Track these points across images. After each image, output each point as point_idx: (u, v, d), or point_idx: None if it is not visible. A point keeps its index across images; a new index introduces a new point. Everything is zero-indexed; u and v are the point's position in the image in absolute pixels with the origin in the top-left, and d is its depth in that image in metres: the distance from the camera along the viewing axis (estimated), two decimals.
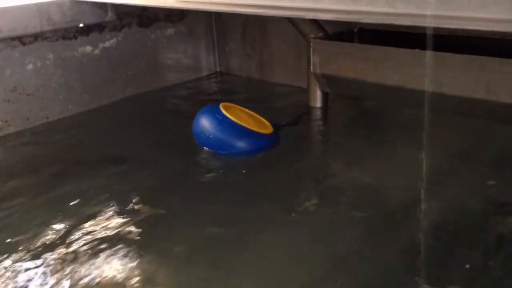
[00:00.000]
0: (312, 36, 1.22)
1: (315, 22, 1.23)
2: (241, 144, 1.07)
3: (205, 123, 1.08)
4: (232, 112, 1.08)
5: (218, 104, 1.09)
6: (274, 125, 1.14)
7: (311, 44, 1.21)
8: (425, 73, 1.01)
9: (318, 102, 1.30)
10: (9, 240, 0.80)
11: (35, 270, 0.72)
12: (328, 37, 1.22)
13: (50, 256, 0.75)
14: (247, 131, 1.07)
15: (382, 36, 1.18)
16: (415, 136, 1.03)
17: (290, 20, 1.28)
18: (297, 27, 1.26)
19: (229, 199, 0.90)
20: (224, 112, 1.07)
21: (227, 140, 1.07)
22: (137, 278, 0.69)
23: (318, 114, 1.29)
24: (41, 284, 0.69)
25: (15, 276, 0.71)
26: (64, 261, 0.74)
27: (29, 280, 0.70)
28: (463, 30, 1.04)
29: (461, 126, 1.11)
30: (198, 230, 0.81)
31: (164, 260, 0.74)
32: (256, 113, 1.15)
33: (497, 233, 0.74)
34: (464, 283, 0.65)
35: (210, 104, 1.13)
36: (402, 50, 1.05)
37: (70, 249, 0.77)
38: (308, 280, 0.69)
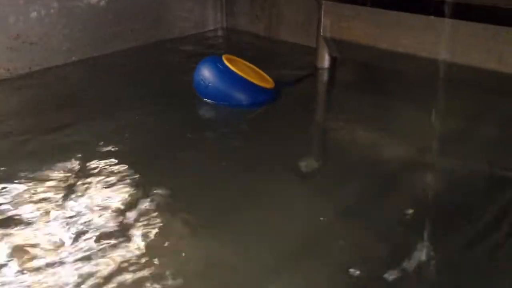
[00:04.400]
0: None
1: None
2: (240, 96, 1.05)
3: (205, 71, 1.06)
4: (234, 64, 1.07)
5: (221, 55, 1.08)
6: (277, 82, 1.13)
7: (322, 6, 1.19)
8: (438, 40, 0.99)
9: (325, 63, 1.28)
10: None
11: None
12: None
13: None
14: (248, 83, 1.06)
15: (396, 1, 1.15)
16: (422, 101, 1.03)
17: None
18: None
19: (225, 155, 0.89)
20: (226, 62, 1.05)
21: (226, 90, 1.05)
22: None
23: (324, 74, 1.26)
24: None
25: None
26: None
27: None
28: None
29: (471, 94, 1.09)
30: (188, 183, 0.80)
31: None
32: (260, 68, 1.14)
33: (501, 200, 0.74)
34: (464, 249, 0.66)
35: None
36: (415, 16, 1.03)
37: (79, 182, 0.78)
38: (308, 234, 0.69)
